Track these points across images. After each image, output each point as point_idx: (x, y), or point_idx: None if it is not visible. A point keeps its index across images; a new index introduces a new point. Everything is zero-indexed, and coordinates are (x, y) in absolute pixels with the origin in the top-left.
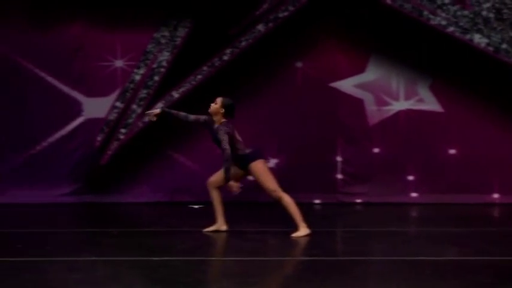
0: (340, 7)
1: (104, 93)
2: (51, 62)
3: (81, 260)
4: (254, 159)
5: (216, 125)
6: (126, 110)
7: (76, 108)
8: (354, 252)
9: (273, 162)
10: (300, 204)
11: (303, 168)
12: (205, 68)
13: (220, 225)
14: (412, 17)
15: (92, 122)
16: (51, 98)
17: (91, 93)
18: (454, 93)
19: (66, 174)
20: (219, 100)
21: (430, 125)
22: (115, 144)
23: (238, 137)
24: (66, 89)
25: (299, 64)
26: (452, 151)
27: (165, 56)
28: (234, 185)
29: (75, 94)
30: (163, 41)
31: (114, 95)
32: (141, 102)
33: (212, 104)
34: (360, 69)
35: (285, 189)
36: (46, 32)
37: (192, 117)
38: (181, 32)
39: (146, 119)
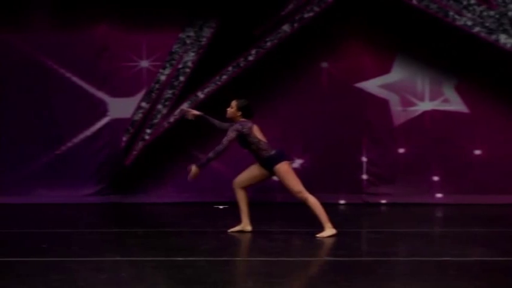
0: (366, 7)
1: (129, 94)
2: (77, 63)
3: (107, 260)
4: (279, 161)
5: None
6: (151, 110)
7: (101, 109)
8: (378, 253)
9: (298, 162)
10: (325, 205)
11: (328, 168)
12: (230, 68)
13: (245, 225)
14: (438, 17)
15: (117, 122)
16: (77, 98)
17: (116, 93)
18: (480, 93)
19: (91, 174)
20: (233, 104)
21: (455, 126)
22: (140, 145)
23: (262, 137)
24: (91, 89)
25: (324, 64)
26: (477, 152)
27: (190, 56)
28: (194, 172)
29: (101, 94)
30: (188, 41)
31: (139, 95)
32: (167, 103)
33: (228, 109)
34: (386, 70)
35: (310, 190)
36: (72, 32)
37: (225, 125)
38: (207, 32)
39: (180, 114)
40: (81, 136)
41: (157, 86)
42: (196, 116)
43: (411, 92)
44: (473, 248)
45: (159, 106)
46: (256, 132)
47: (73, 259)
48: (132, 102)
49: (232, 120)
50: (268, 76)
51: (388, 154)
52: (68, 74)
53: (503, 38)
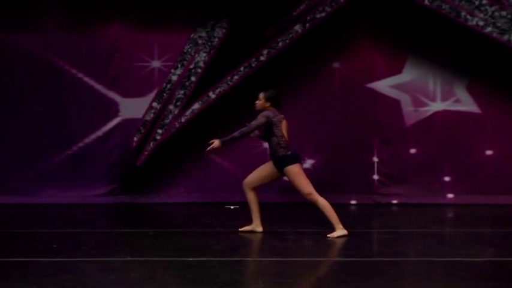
0: (378, 8)
1: (140, 94)
2: (89, 63)
3: (117, 260)
4: (291, 162)
5: None
6: (162, 111)
7: (113, 109)
8: (389, 253)
9: (309, 162)
10: (336, 205)
11: (339, 168)
12: (242, 68)
13: (256, 226)
14: (450, 17)
15: (128, 123)
16: (88, 99)
17: (128, 93)
18: (491, 94)
19: (103, 174)
20: (261, 96)
21: (466, 126)
22: (151, 145)
23: (284, 132)
24: (103, 89)
25: (336, 65)
26: (488, 152)
27: (202, 57)
28: (215, 146)
29: (112, 95)
30: (200, 41)
31: (151, 96)
32: (178, 103)
33: (256, 102)
34: (397, 70)
35: (321, 190)
36: (83, 33)
37: (253, 122)
38: (218, 33)
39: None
40: (93, 136)
41: (168, 86)
42: (220, 146)
43: (423, 92)
44: (483, 249)
45: (171, 106)
46: (283, 127)
47: (83, 259)
48: (144, 103)
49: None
50: (279, 76)
51: (400, 154)
52: (80, 74)
53: None
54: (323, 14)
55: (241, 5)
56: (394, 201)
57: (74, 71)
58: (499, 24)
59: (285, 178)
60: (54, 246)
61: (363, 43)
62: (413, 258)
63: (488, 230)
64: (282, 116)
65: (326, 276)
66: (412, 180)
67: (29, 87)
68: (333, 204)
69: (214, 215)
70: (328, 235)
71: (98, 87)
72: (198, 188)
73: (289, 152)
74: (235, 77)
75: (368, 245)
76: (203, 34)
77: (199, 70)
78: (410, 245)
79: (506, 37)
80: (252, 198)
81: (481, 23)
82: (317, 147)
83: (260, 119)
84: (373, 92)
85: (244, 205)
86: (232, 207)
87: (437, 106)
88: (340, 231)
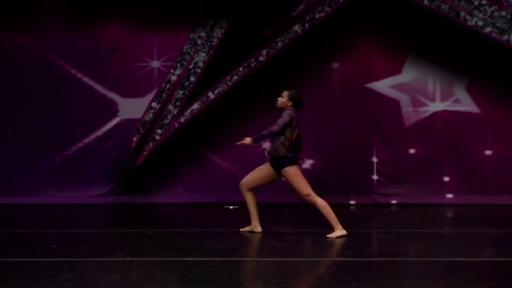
0: (377, 8)
1: (140, 94)
2: (88, 63)
3: (117, 260)
4: (288, 164)
5: None
6: (162, 111)
7: (112, 109)
8: (389, 253)
9: (309, 162)
10: (335, 205)
11: (339, 169)
12: (241, 68)
13: (255, 227)
14: (449, 17)
15: (128, 123)
16: (88, 99)
17: (127, 94)
18: (491, 94)
19: (102, 174)
20: (285, 94)
21: (466, 126)
22: (151, 145)
23: (292, 136)
24: (102, 89)
25: (335, 65)
26: (488, 152)
27: (201, 57)
28: (247, 143)
29: (112, 95)
30: (199, 41)
31: (150, 96)
32: (177, 103)
33: (279, 98)
34: (397, 70)
35: (321, 190)
36: (83, 33)
37: (281, 123)
38: (218, 33)
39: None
40: (92, 136)
41: (168, 86)
42: (251, 143)
43: (422, 93)
44: (484, 249)
45: (170, 106)
46: (295, 129)
47: (83, 259)
48: (143, 103)
49: (282, 110)
50: (279, 76)
51: (399, 154)
52: (80, 74)
53: None
54: (322, 14)
55: (241, 5)
56: (394, 202)
57: (73, 71)
58: (498, 24)
59: (283, 179)
60: (54, 246)
61: (363, 43)
62: (413, 258)
63: (488, 230)
64: (296, 123)
65: (325, 276)
66: (411, 180)
67: (29, 87)
68: (332, 205)
69: (213, 215)
70: (328, 235)
71: (98, 87)
72: (197, 188)
73: (290, 154)
74: (235, 77)
75: (368, 245)
76: (202, 34)
77: (198, 70)
78: (410, 245)
79: (505, 37)
80: (249, 199)
81: (480, 23)
82: (317, 148)
83: (286, 116)
84: (372, 92)
85: (244, 205)
86: (231, 207)
87: (436, 106)
88: (339, 231)
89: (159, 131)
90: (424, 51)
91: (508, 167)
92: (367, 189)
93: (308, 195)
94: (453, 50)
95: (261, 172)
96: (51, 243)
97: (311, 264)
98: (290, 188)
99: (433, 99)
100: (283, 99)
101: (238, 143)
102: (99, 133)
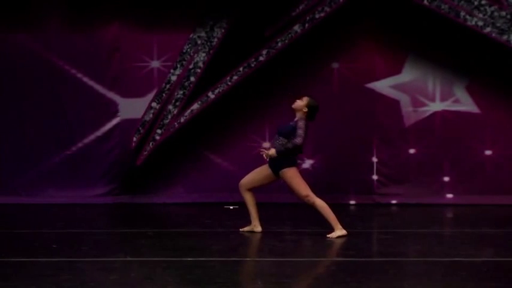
0: (377, 8)
1: (140, 94)
2: (88, 63)
3: (117, 260)
4: (286, 165)
5: (296, 119)
6: (162, 111)
7: (112, 109)
8: (389, 253)
9: (308, 162)
10: (335, 205)
11: (339, 169)
12: (241, 68)
13: (255, 227)
14: (449, 17)
15: (128, 123)
16: (88, 99)
17: (127, 94)
18: (491, 94)
19: (102, 174)
20: (305, 98)
21: (466, 126)
22: (151, 145)
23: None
24: (102, 89)
25: (335, 65)
26: (488, 152)
27: (201, 57)
28: (270, 154)
29: (112, 95)
30: (199, 41)
31: (150, 96)
32: (177, 103)
33: (298, 100)
34: (397, 70)
35: (321, 190)
36: (83, 33)
37: (302, 134)
38: (218, 33)
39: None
40: (92, 136)
41: (168, 86)
42: (274, 155)
43: (422, 93)
44: (484, 249)
45: (170, 106)
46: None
47: (83, 259)
48: (143, 103)
49: (294, 111)
50: (279, 76)
51: (399, 154)
52: (80, 74)
53: None
54: (322, 14)
55: (241, 5)
56: (394, 202)
57: (73, 71)
58: (498, 24)
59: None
60: (54, 246)
61: (362, 43)
62: (413, 258)
63: (488, 230)
64: None
65: (325, 276)
66: (411, 180)
67: (29, 87)
68: (332, 205)
69: (213, 215)
70: (328, 235)
71: (98, 87)
72: (197, 188)
73: (282, 147)
74: (235, 77)
75: (368, 245)
76: (202, 34)
77: (198, 70)
78: (410, 245)
79: (505, 37)
80: (248, 199)
81: (480, 23)
82: (316, 148)
83: (303, 125)
84: (372, 92)
85: (244, 205)
86: (231, 207)
87: (436, 106)
88: (339, 231)
89: (159, 131)
90: (424, 51)
91: (508, 167)
92: (367, 189)
93: (307, 196)
94: (453, 50)
95: (260, 173)
96: (51, 243)
97: (311, 264)
98: (289, 189)
99: (433, 99)
100: (301, 103)
101: (261, 152)
102: (99, 133)
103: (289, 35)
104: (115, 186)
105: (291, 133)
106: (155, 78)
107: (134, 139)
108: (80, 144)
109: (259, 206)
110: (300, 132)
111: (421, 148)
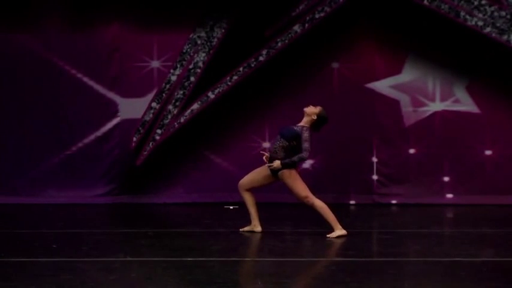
0: (377, 8)
1: (140, 94)
2: (88, 63)
3: (117, 260)
4: (286, 167)
5: (301, 123)
6: (162, 111)
7: (112, 109)
8: (389, 253)
9: (308, 163)
10: (335, 205)
11: (339, 169)
12: (241, 68)
13: (255, 227)
14: (449, 17)
15: (127, 123)
16: (88, 99)
17: (127, 94)
18: (491, 94)
19: (102, 174)
20: (319, 108)
21: (466, 126)
22: (151, 145)
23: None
24: (102, 89)
25: (335, 65)
26: (488, 152)
27: (201, 57)
28: (275, 166)
29: (111, 95)
30: (199, 41)
31: (150, 96)
32: (177, 103)
33: (311, 106)
34: (397, 70)
35: (321, 190)
36: (83, 33)
37: (308, 148)
38: (218, 33)
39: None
40: (92, 137)
41: (168, 86)
42: (279, 167)
43: (422, 93)
44: (484, 249)
45: (170, 107)
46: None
47: (83, 259)
48: (143, 103)
49: (303, 115)
50: (279, 76)
51: (399, 154)
52: (79, 74)
53: None
54: (322, 14)
55: (241, 5)
56: (394, 202)
57: (73, 71)
58: (498, 24)
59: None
60: (54, 246)
61: (362, 43)
62: (413, 258)
63: (488, 230)
64: None
65: (325, 276)
66: (411, 180)
67: (29, 87)
68: (332, 205)
69: (213, 215)
70: (328, 235)
71: (98, 87)
72: (197, 188)
73: (287, 160)
74: (235, 77)
75: (368, 245)
76: (202, 34)
77: (198, 70)
78: (410, 245)
79: (505, 37)
80: (248, 199)
81: (480, 23)
82: (316, 148)
83: (308, 137)
84: (372, 92)
85: (244, 205)
86: (231, 207)
87: (436, 106)
88: (339, 231)
89: (159, 131)
90: (424, 51)
91: (508, 167)
92: (367, 189)
93: (306, 197)
94: (453, 50)
95: (259, 174)
96: (51, 243)
97: (311, 264)
98: (288, 190)
99: (433, 99)
100: (314, 110)
101: (267, 165)
102: (99, 133)
103: (289, 35)
104: (115, 186)
105: (293, 138)
106: (155, 78)
107: (134, 139)
108: (80, 144)
109: (259, 206)
110: (307, 146)
111: (421, 148)
